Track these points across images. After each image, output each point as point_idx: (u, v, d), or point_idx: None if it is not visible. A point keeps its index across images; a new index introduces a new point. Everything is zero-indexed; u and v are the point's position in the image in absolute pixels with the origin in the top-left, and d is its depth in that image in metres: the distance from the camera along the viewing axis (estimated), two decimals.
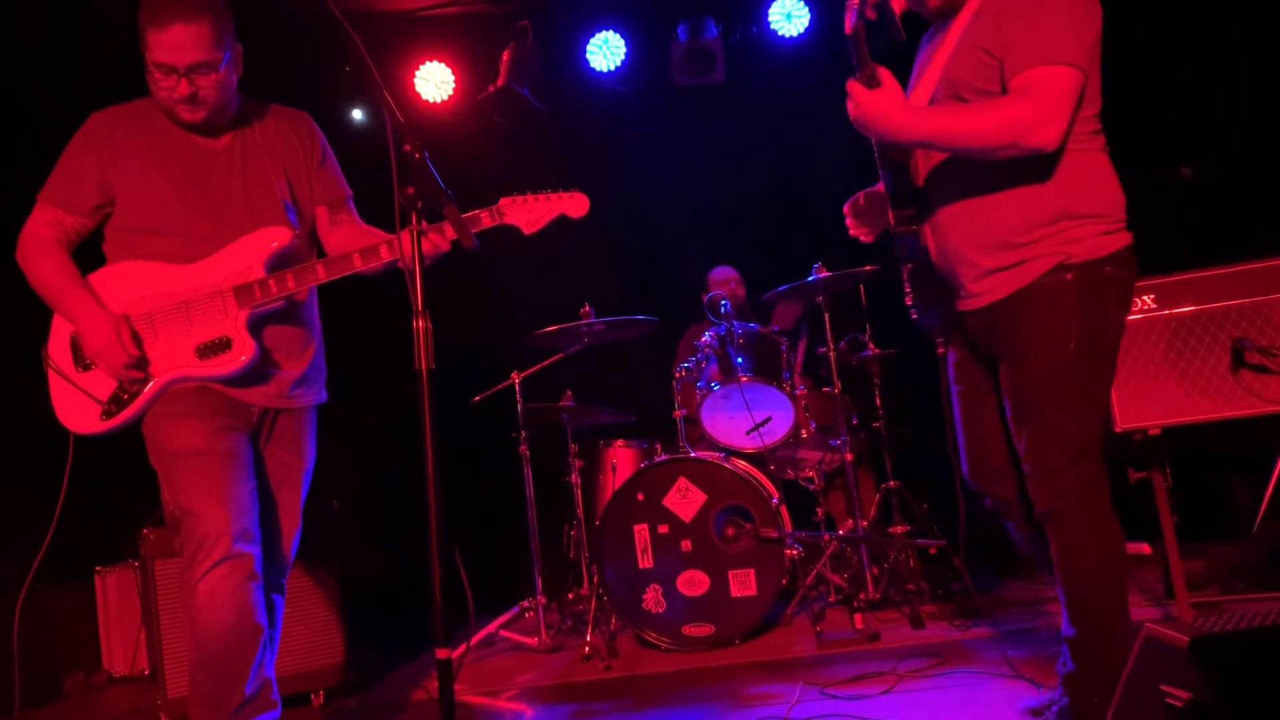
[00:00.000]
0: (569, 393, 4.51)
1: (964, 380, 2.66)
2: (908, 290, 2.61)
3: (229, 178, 2.67)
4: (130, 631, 4.34)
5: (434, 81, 5.51)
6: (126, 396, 2.56)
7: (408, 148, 2.11)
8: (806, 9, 5.37)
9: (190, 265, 2.60)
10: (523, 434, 4.41)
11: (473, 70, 5.51)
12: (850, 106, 2.37)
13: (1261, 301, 3.22)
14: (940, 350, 2.85)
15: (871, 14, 2.43)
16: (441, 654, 2.02)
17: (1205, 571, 3.85)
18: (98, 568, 4.43)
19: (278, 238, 2.64)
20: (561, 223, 2.72)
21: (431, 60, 5.49)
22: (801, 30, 5.38)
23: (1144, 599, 3.81)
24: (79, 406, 2.58)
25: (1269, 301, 3.22)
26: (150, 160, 2.62)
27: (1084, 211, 2.35)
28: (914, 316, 2.64)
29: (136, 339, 2.55)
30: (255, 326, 2.62)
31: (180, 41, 2.43)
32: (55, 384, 2.61)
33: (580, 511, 4.49)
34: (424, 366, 2.05)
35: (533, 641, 4.18)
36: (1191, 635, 1.63)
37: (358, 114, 5.82)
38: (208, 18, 2.45)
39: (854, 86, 2.36)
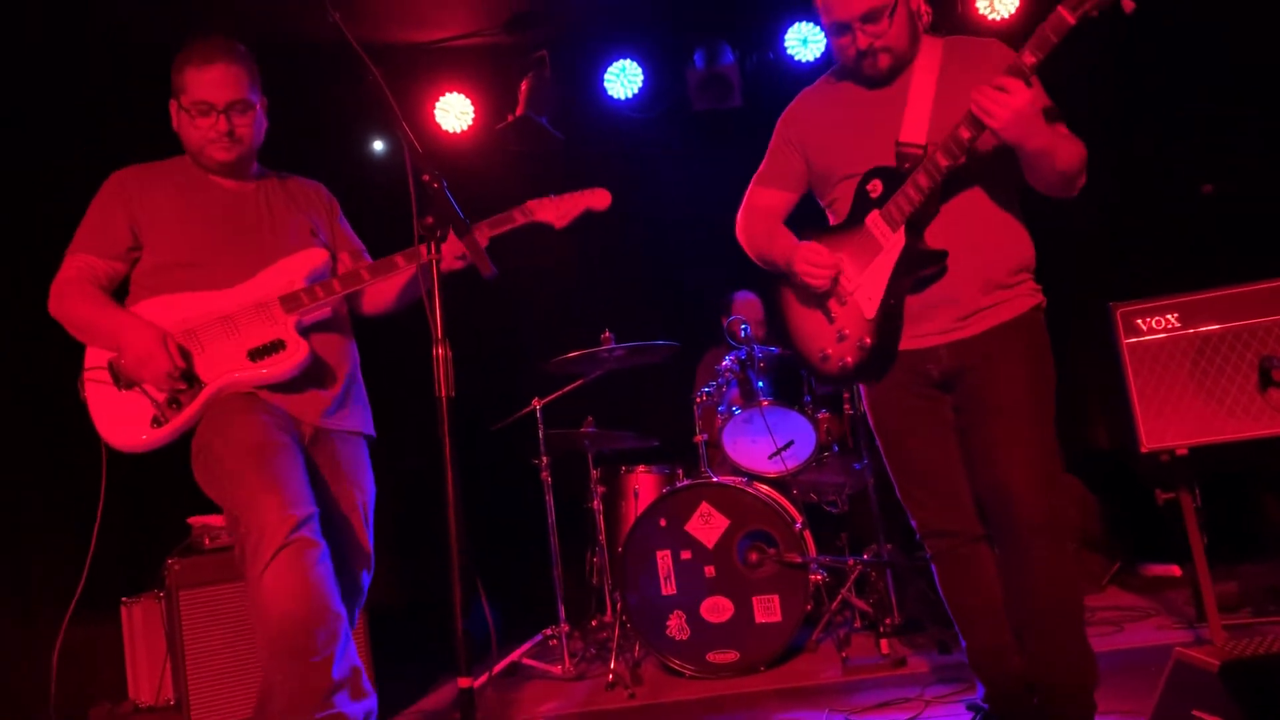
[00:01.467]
0: (590, 419, 4.51)
1: (921, 419, 2.60)
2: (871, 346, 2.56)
3: (259, 216, 2.74)
4: (156, 662, 4.34)
5: (454, 112, 5.55)
6: (175, 407, 2.53)
7: (426, 177, 2.13)
8: (823, 34, 5.38)
9: (229, 289, 2.64)
10: (544, 460, 4.40)
11: (492, 100, 5.55)
12: (1001, 100, 2.24)
13: None
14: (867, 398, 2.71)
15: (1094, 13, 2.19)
16: (464, 683, 2.02)
17: (1237, 593, 3.78)
18: (123, 598, 4.45)
19: (316, 258, 2.73)
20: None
21: (451, 91, 5.53)
22: (818, 55, 5.38)
23: (1174, 622, 3.75)
24: (126, 418, 2.52)
25: None
26: (180, 202, 2.68)
27: (1033, 265, 2.57)
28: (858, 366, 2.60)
29: (184, 353, 2.53)
30: (305, 335, 2.65)
31: (223, 79, 2.61)
32: (97, 398, 2.55)
33: (603, 538, 4.48)
34: (444, 394, 2.06)
35: (556, 670, 4.16)
36: (1222, 659, 1.60)
37: (378, 145, 5.88)
38: (245, 62, 2.66)
39: (1014, 83, 2.25)
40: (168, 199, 2.67)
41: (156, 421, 2.52)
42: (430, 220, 2.13)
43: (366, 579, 2.75)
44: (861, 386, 2.73)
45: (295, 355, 2.59)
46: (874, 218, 2.52)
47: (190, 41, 2.64)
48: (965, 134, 2.34)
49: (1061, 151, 2.38)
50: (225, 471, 2.48)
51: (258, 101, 2.70)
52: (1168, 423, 3.26)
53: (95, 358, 2.59)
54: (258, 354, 2.58)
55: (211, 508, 3.60)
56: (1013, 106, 2.25)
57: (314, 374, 2.67)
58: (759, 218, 2.82)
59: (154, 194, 2.67)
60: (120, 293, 2.69)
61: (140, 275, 2.68)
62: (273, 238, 2.72)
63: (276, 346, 2.59)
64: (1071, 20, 2.19)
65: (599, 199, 2.89)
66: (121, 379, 2.55)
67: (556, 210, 2.83)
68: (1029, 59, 2.25)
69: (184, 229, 2.65)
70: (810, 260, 2.60)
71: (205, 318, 2.59)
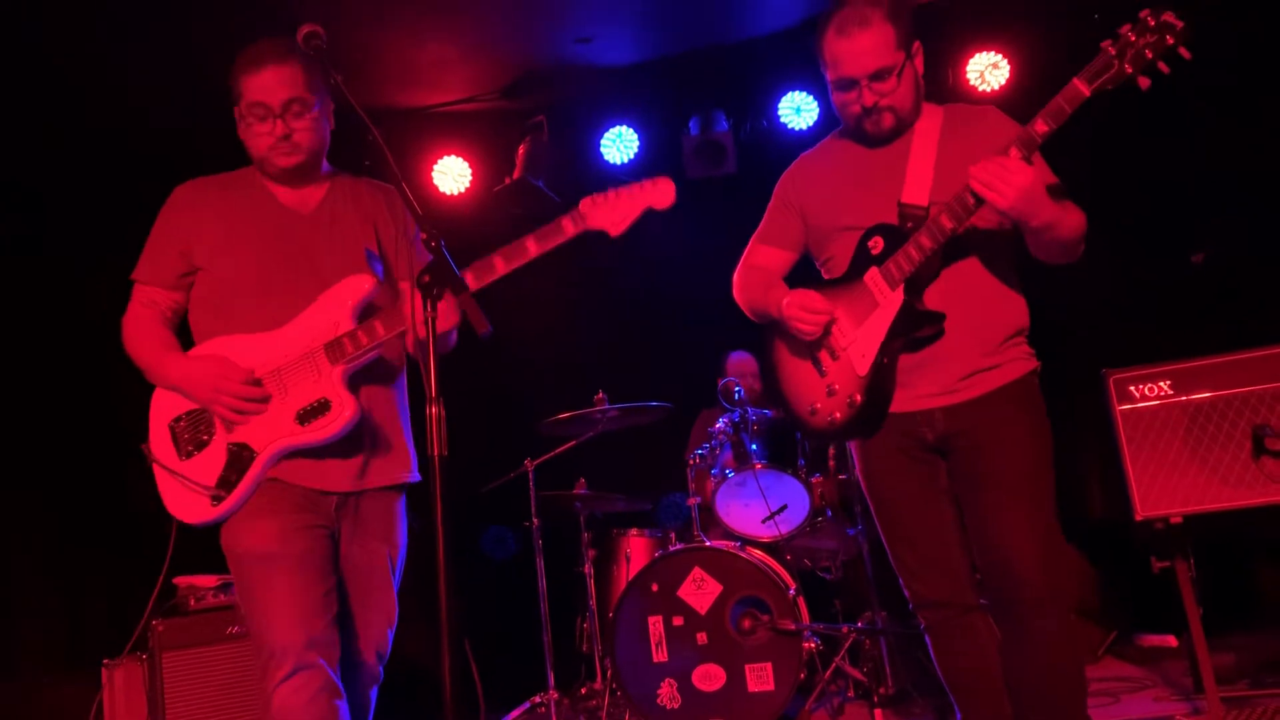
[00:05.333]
0: (582, 480, 4.48)
1: (916, 484, 2.57)
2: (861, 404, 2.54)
3: (314, 237, 2.63)
4: None
5: (451, 175, 5.61)
6: (234, 478, 2.47)
7: (424, 236, 2.13)
8: (816, 103, 5.47)
9: (280, 330, 2.53)
10: (535, 523, 4.36)
11: (489, 163, 5.61)
12: (1006, 178, 2.25)
13: None
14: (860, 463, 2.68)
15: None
16: None
17: (1234, 665, 3.74)
18: (105, 660, 4.36)
19: (361, 285, 2.55)
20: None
21: (449, 154, 5.60)
22: (811, 123, 5.47)
23: (1171, 693, 3.71)
24: (188, 498, 2.50)
25: None
26: (234, 222, 2.60)
27: (1028, 329, 2.57)
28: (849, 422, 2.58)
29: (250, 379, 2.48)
30: (353, 385, 2.52)
31: (274, 81, 2.51)
32: (161, 478, 2.54)
33: (593, 603, 4.43)
34: (437, 453, 2.04)
35: None
36: None
37: None
38: (298, 61, 2.53)
39: (1015, 163, 2.26)
40: (223, 221, 2.59)
41: (216, 499, 2.48)
42: (427, 279, 2.13)
43: (392, 631, 2.66)
44: (854, 450, 2.70)
45: (341, 417, 2.47)
46: (873, 274, 2.51)
47: (245, 47, 2.56)
48: (971, 199, 2.33)
49: (1065, 225, 2.38)
50: (238, 580, 2.48)
51: (319, 100, 2.57)
52: (1162, 491, 3.25)
53: (158, 429, 2.56)
54: (305, 416, 2.48)
55: (197, 568, 3.56)
56: (1017, 185, 2.24)
57: (360, 432, 2.56)
58: (756, 274, 2.82)
59: (209, 216, 2.60)
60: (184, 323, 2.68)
61: (197, 302, 2.63)
62: (328, 259, 2.60)
63: (322, 407, 2.48)
64: (1087, 93, 2.22)
65: (661, 194, 2.58)
66: (182, 447, 2.52)
67: (612, 213, 2.54)
68: (1041, 128, 2.26)
69: (238, 255, 2.57)
70: (803, 305, 2.56)
71: (259, 372, 2.51)
